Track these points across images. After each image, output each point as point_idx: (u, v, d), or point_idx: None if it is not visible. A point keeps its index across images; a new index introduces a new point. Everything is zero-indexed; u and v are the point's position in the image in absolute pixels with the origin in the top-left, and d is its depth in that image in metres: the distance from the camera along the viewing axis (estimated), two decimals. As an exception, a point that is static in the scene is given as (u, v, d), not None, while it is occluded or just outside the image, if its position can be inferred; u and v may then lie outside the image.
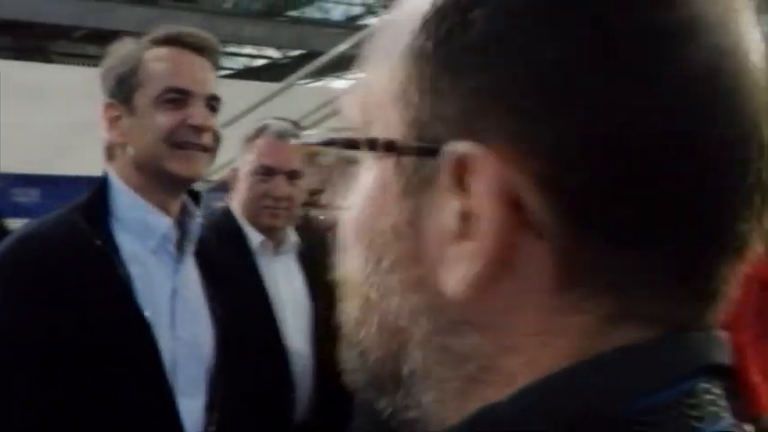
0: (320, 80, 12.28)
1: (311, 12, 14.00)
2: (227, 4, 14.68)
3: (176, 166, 1.51)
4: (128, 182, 1.55)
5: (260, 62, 16.95)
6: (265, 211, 2.27)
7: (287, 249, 2.39)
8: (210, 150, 1.56)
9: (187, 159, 1.51)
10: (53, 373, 1.43)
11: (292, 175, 2.30)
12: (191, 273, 1.63)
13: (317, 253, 2.37)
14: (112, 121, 1.54)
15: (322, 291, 2.25)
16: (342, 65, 13.01)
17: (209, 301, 1.65)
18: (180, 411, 1.52)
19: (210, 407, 1.60)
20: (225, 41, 15.44)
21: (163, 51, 1.55)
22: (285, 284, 2.34)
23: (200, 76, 1.55)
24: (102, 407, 1.45)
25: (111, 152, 1.59)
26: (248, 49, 16.57)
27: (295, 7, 13.82)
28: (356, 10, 14.10)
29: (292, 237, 2.40)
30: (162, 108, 1.51)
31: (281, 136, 2.28)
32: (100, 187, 1.55)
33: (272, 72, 14.14)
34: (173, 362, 1.52)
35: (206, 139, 1.53)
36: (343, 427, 2.30)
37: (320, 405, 2.32)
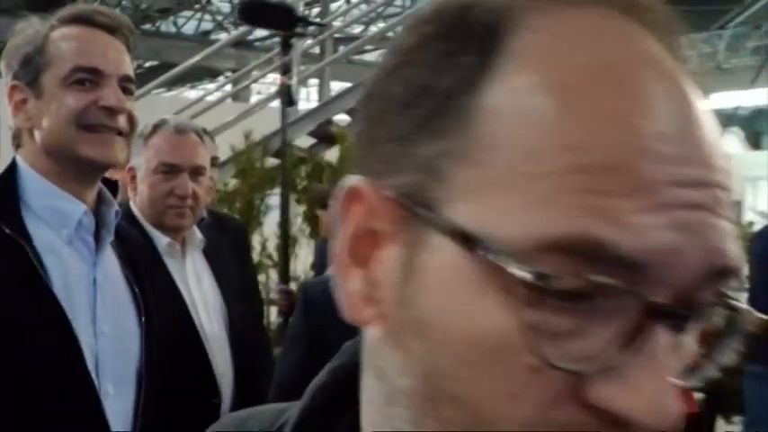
0: (173, 90, 12.88)
1: (166, 26, 14.18)
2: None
3: (88, 149, 1.35)
4: (37, 168, 1.39)
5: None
6: (170, 210, 2.09)
7: (193, 248, 2.23)
8: (126, 135, 1.40)
9: (100, 143, 1.36)
10: None
11: (196, 172, 2.12)
12: (110, 264, 1.46)
13: (227, 250, 2.42)
14: (18, 105, 1.38)
15: (231, 287, 2.26)
16: (194, 76, 13.74)
17: (133, 294, 1.49)
18: (105, 411, 1.36)
19: (138, 406, 1.44)
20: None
21: (72, 30, 1.39)
22: (195, 285, 2.18)
23: (113, 55, 1.38)
24: (20, 408, 1.30)
25: (18, 138, 1.43)
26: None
27: (151, 21, 14.06)
28: (207, 25, 14.40)
29: (197, 234, 2.24)
30: (71, 89, 1.35)
31: (180, 131, 2.13)
32: (7, 175, 1.40)
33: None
34: (96, 358, 1.36)
35: (121, 122, 1.37)
36: None
37: (242, 404, 2.03)
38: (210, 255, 2.30)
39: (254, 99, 10.99)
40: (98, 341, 1.38)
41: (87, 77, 1.37)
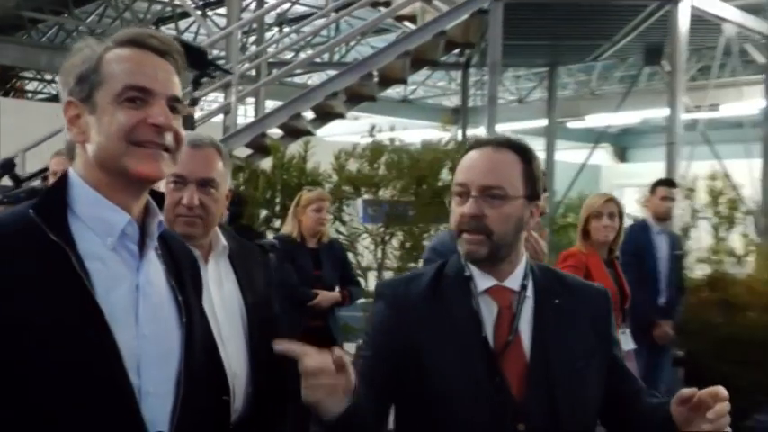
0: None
1: None
2: (43, 38, 14.71)
3: (136, 164, 1.30)
4: (88, 180, 1.33)
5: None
6: (179, 219, 1.99)
7: (217, 255, 2.10)
8: (172, 151, 1.35)
9: (147, 158, 1.31)
10: (6, 374, 1.20)
11: (205, 183, 1.99)
12: (154, 270, 1.39)
13: (253, 259, 2.29)
14: (72, 120, 1.33)
15: (255, 292, 2.14)
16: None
17: (175, 298, 1.42)
18: (144, 411, 1.29)
19: (176, 407, 1.36)
20: (41, 70, 15.53)
21: (125, 51, 1.34)
22: (215, 288, 2.05)
23: (162, 76, 1.34)
24: (58, 408, 1.22)
25: (71, 151, 1.37)
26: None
27: None
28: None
29: (222, 242, 2.11)
30: (123, 107, 1.30)
31: (195, 145, 2.00)
32: (58, 185, 1.34)
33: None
34: (137, 360, 1.29)
35: (168, 138, 1.33)
36: (278, 427, 2.14)
37: (256, 406, 2.06)
38: (236, 261, 2.16)
39: (196, 114, 10.91)
40: (140, 343, 1.31)
41: (138, 96, 1.32)
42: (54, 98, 16.48)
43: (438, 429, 1.53)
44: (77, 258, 1.25)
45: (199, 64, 3.45)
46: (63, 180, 1.34)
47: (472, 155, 1.61)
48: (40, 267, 1.22)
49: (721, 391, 1.38)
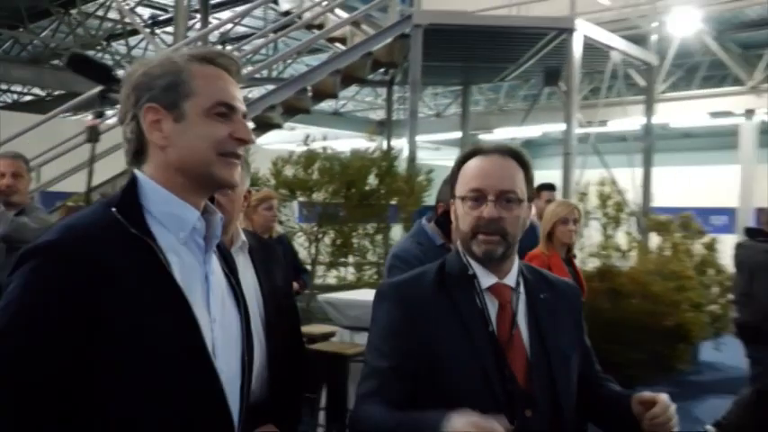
0: (78, 115, 12.26)
1: None
2: (-1, 51, 14.10)
3: (220, 172, 1.29)
4: (159, 179, 1.29)
5: (27, 98, 16.40)
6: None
7: (236, 249, 2.09)
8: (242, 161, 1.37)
9: (229, 167, 1.30)
10: (103, 359, 1.14)
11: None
12: (215, 262, 1.38)
13: (275, 253, 2.30)
14: (153, 124, 1.28)
15: (272, 283, 2.14)
16: (95, 104, 13.05)
17: (232, 288, 1.42)
18: (227, 395, 1.26)
19: (243, 387, 1.34)
20: (-2, 80, 14.88)
21: (210, 69, 1.32)
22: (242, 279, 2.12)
23: (239, 95, 1.35)
24: (153, 392, 1.16)
25: (141, 153, 1.30)
26: (18, 88, 16.02)
27: (58, 57, 13.43)
28: (107, 63, 13.89)
29: (242, 237, 2.11)
30: (213, 120, 1.28)
31: None
32: (130, 186, 1.28)
33: (38, 106, 13.78)
34: (212, 343, 1.26)
35: (242, 151, 1.33)
36: (293, 409, 2.08)
37: (271, 391, 2.01)
38: (255, 255, 2.14)
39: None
40: (213, 328, 1.28)
41: (225, 111, 1.29)
42: (10, 106, 15.82)
43: None
44: (160, 251, 1.22)
45: (103, 79, 3.34)
46: (133, 182, 1.28)
47: (481, 162, 1.56)
48: (132, 259, 1.18)
49: (664, 399, 1.42)
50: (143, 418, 1.16)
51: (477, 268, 1.54)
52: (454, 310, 1.49)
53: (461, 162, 1.59)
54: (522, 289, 1.57)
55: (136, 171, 1.30)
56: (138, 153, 1.30)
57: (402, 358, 1.46)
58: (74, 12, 11.94)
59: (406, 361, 1.46)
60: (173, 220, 1.27)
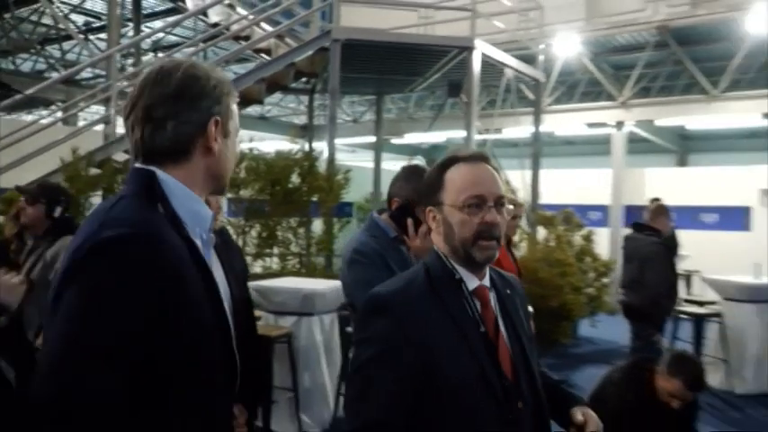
0: (12, 114, 11.57)
1: (6, 64, 12.81)
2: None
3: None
4: (182, 179, 1.23)
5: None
6: None
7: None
8: None
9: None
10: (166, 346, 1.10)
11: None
12: (214, 257, 1.35)
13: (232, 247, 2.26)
14: (213, 136, 1.26)
15: (235, 275, 2.02)
16: (30, 104, 12.35)
17: (226, 275, 1.43)
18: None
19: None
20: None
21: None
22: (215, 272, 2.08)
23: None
24: (187, 360, 1.13)
25: (188, 152, 1.25)
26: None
27: None
28: (41, 66, 13.09)
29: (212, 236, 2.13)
30: (235, 136, 1.32)
31: None
32: (153, 183, 1.21)
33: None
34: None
35: None
36: (263, 389, 1.99)
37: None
38: (219, 248, 2.04)
39: (80, 123, 10.19)
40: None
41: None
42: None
43: (451, 420, 1.35)
44: (199, 248, 1.21)
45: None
46: (154, 179, 1.22)
47: (473, 170, 1.46)
48: (186, 258, 1.17)
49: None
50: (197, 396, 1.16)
51: (461, 272, 1.45)
52: (446, 313, 1.40)
53: (442, 170, 1.48)
54: (492, 288, 1.51)
55: (154, 168, 1.23)
56: (168, 154, 1.24)
57: (403, 371, 1.33)
58: (7, 16, 11.19)
59: (407, 373, 1.33)
60: (194, 217, 1.25)
